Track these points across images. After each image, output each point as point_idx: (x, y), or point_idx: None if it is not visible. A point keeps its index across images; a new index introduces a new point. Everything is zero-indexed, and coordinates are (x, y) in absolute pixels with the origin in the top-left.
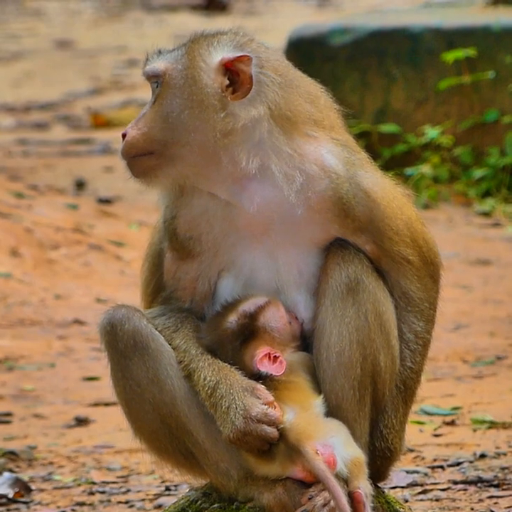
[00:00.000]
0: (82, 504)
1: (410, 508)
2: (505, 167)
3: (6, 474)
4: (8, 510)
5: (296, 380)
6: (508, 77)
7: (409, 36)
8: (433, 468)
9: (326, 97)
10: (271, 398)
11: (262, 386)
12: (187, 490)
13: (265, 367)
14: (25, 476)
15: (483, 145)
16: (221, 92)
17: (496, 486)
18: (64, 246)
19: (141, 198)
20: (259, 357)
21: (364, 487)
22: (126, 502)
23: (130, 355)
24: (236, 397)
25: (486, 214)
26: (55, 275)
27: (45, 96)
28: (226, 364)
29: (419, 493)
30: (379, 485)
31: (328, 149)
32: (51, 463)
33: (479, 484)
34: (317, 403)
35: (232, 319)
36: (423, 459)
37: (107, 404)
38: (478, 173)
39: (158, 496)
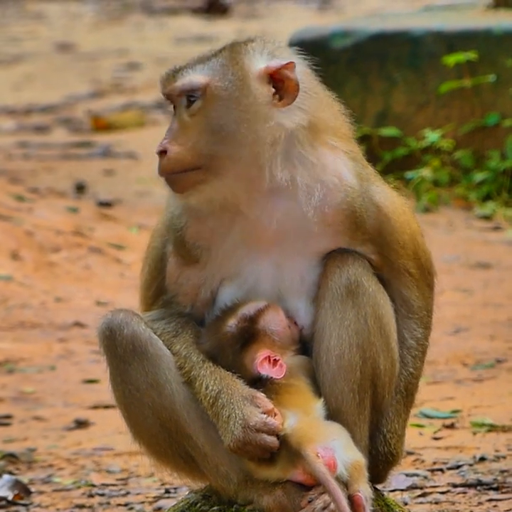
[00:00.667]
0: (81, 506)
1: (410, 511)
2: (505, 171)
3: (6, 476)
4: None
5: (296, 384)
6: (509, 80)
7: (410, 40)
8: (432, 471)
9: (338, 104)
10: (270, 406)
11: (262, 394)
12: (186, 492)
13: (266, 370)
14: (24, 479)
15: (483, 148)
16: (269, 101)
17: (496, 489)
18: (64, 249)
19: (141, 201)
20: (260, 360)
21: (364, 490)
22: (126, 504)
23: (129, 360)
24: (236, 407)
25: (487, 217)
26: (56, 278)
27: (46, 99)
28: (228, 373)
29: (419, 496)
30: (378, 487)
31: (345, 161)
32: (51, 465)
33: (479, 487)
34: (318, 407)
35: (232, 323)
36: (423, 462)
37: (106, 407)
38: (478, 176)
39: (158, 498)
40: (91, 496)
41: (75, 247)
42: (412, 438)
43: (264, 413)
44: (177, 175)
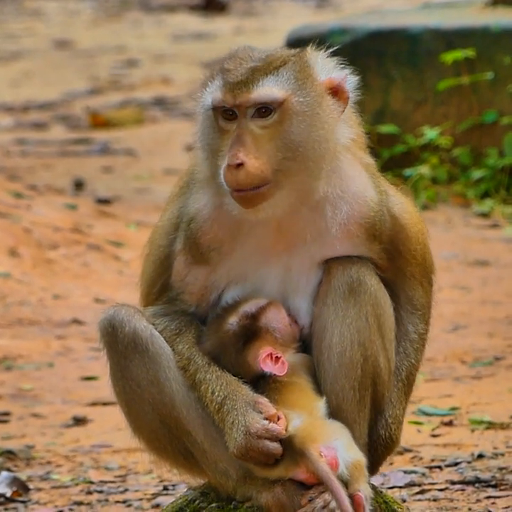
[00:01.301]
0: (79, 503)
1: (408, 508)
2: (504, 168)
3: (4, 473)
4: (5, 509)
5: (298, 382)
6: (507, 78)
7: (408, 37)
8: (431, 468)
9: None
10: (273, 411)
11: (265, 399)
12: (185, 489)
13: (268, 367)
14: (23, 476)
15: (481, 146)
16: (338, 116)
17: (494, 486)
18: (63, 246)
19: (140, 198)
20: (262, 357)
21: (364, 490)
22: (124, 501)
23: (130, 356)
24: (239, 413)
25: (485, 215)
26: (54, 275)
27: (44, 96)
28: (234, 378)
29: (417, 493)
30: (376, 484)
31: (366, 175)
32: (49, 462)
33: (477, 484)
34: (320, 405)
35: (233, 321)
36: (421, 459)
37: (105, 404)
38: (476, 174)
39: (156, 495)
40: (89, 492)
41: (73, 244)
42: (411, 435)
43: (267, 418)
44: (251, 190)
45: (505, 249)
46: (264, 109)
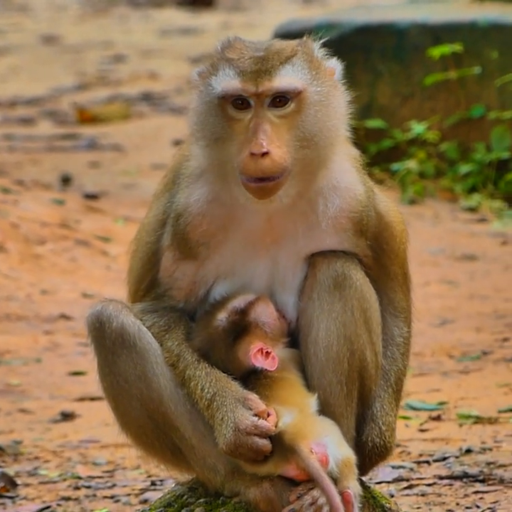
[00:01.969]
0: (67, 499)
1: (396, 503)
2: (491, 163)
3: None
4: None
5: (289, 377)
6: (494, 72)
7: (396, 32)
8: (419, 463)
9: None
10: (262, 408)
11: (255, 396)
12: (173, 485)
13: (259, 362)
14: (10, 471)
15: (469, 141)
16: (345, 104)
17: (482, 481)
18: (50, 241)
19: (127, 193)
20: (253, 352)
21: (353, 487)
22: (112, 497)
23: (118, 351)
24: (228, 410)
25: (472, 209)
26: (42, 270)
27: (31, 91)
28: (223, 374)
29: (405, 488)
30: (363, 480)
31: (354, 169)
32: (37, 457)
33: (465, 479)
34: (311, 402)
35: (223, 317)
36: (409, 454)
37: (92, 399)
38: (464, 168)
39: (144, 490)
40: (77, 488)
41: (60, 240)
42: (399, 430)
43: (257, 415)
44: (272, 180)
45: (492, 243)
46: (280, 99)
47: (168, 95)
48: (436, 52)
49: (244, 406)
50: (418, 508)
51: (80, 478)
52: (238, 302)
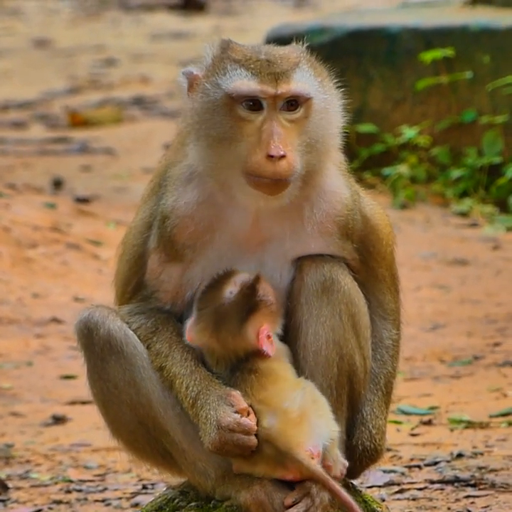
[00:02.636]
0: (59, 502)
1: (387, 507)
2: (482, 167)
3: None
4: None
5: (277, 370)
6: (485, 77)
7: (387, 36)
8: (410, 467)
9: None
10: (243, 405)
11: (237, 392)
12: (164, 488)
13: (266, 345)
14: (2, 474)
15: (460, 145)
16: (342, 111)
17: (473, 485)
18: (42, 245)
19: (119, 197)
20: (263, 334)
21: (336, 456)
22: (103, 500)
23: (106, 358)
24: (211, 407)
25: (464, 214)
26: (33, 274)
27: (23, 95)
28: (208, 373)
29: (396, 492)
30: (355, 483)
31: (340, 174)
32: (28, 461)
33: (456, 484)
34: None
35: (232, 289)
36: (400, 458)
37: (84, 403)
38: (455, 173)
39: (135, 494)
40: (68, 491)
41: (52, 243)
42: (390, 434)
43: (238, 412)
44: (286, 181)
45: (483, 248)
46: (292, 103)
47: (160, 99)
48: (428, 56)
49: (226, 403)
50: None
51: (71, 481)
52: (245, 277)
